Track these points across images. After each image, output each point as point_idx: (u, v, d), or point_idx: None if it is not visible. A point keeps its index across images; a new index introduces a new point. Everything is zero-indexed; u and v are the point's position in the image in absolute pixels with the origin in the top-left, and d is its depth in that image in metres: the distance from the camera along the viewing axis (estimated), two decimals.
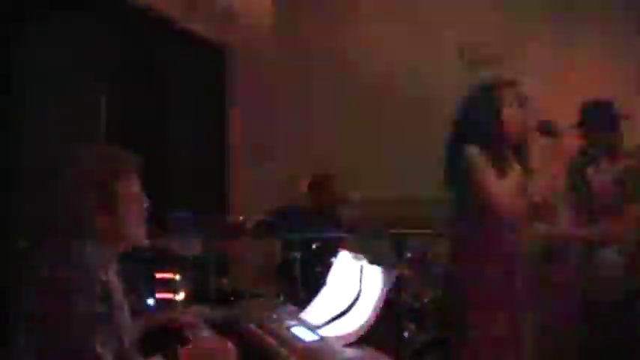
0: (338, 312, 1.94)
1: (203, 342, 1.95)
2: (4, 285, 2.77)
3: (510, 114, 2.57)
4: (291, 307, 2.34)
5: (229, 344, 1.81)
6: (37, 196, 2.89)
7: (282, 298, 3.00)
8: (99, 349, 1.57)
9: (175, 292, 3.22)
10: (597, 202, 3.33)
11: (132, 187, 1.78)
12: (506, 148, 2.60)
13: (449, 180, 2.68)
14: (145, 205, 1.82)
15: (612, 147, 3.43)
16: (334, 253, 2.26)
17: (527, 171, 2.63)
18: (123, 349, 1.70)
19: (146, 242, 1.83)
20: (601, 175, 3.36)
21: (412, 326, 3.26)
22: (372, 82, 4.80)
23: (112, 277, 1.76)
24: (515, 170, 2.59)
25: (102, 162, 1.76)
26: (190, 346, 1.85)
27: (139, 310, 2.10)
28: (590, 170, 3.37)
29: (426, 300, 3.38)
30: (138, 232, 1.80)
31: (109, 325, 1.64)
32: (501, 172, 2.53)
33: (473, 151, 2.52)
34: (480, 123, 2.57)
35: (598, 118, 3.43)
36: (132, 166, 1.79)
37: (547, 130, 2.55)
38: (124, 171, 1.77)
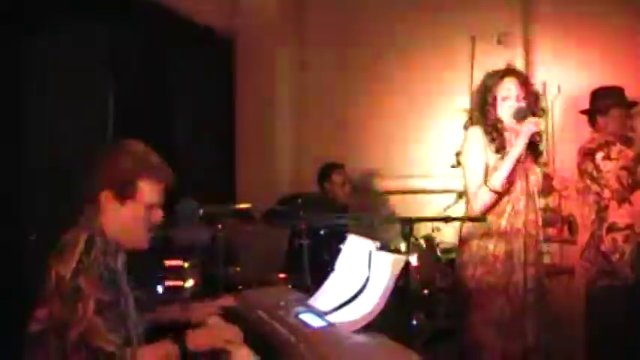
0: (346, 298, 1.93)
1: (211, 325, 1.98)
2: (16, 276, 2.79)
3: (508, 104, 2.62)
4: (300, 294, 2.33)
5: (237, 328, 1.82)
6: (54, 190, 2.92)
7: (290, 286, 3.00)
8: (107, 335, 1.58)
9: (184, 280, 3.24)
10: (607, 187, 3.31)
11: (152, 192, 1.79)
12: (507, 136, 2.65)
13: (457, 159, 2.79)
14: (160, 218, 1.84)
15: (622, 133, 3.41)
16: (342, 240, 2.25)
17: (538, 161, 2.69)
18: (130, 335, 1.71)
19: (145, 246, 1.84)
20: (611, 162, 3.34)
21: (421, 314, 3.26)
22: (379, 68, 4.77)
23: (120, 265, 1.78)
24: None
25: (136, 156, 1.78)
26: (199, 329, 1.89)
27: (148, 299, 2.10)
28: (600, 156, 3.34)
29: (434, 287, 3.37)
30: (142, 239, 1.82)
31: (117, 311, 1.66)
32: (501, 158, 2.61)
33: (473, 131, 2.65)
34: (480, 109, 2.67)
35: (608, 105, 3.41)
36: (161, 175, 1.81)
37: (520, 116, 2.58)
38: (151, 174, 1.79)
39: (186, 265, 3.25)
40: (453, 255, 3.57)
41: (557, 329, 2.63)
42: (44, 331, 1.60)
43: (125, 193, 1.74)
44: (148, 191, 1.78)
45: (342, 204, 4.13)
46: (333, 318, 1.89)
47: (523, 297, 2.55)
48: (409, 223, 2.27)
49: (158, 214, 1.83)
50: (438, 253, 3.64)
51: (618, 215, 3.31)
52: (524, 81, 2.69)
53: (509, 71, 2.73)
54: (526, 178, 2.62)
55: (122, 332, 1.64)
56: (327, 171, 4.27)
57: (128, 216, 1.76)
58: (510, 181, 2.56)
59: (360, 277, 1.95)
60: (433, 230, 3.69)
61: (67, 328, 1.56)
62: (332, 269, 2.19)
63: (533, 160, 2.69)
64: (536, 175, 2.66)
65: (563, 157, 3.58)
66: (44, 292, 1.63)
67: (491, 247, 2.58)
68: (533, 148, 2.68)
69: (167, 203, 1.90)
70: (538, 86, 4.04)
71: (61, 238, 1.70)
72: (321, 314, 1.94)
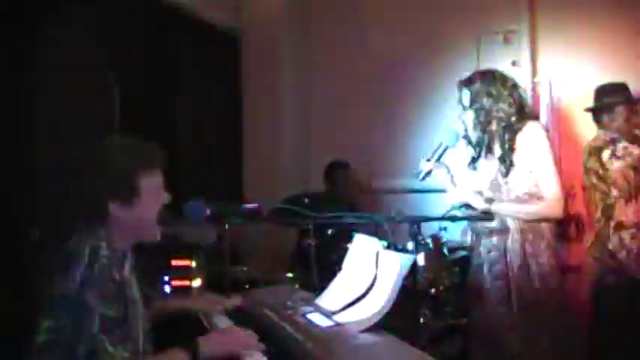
0: (354, 298, 1.93)
1: (225, 331, 1.93)
2: (16, 277, 2.79)
3: (468, 113, 2.64)
4: (307, 294, 2.34)
5: (252, 333, 1.80)
6: (57, 189, 2.92)
7: (297, 285, 3.00)
8: (114, 350, 1.54)
9: (191, 279, 3.24)
10: (613, 186, 3.29)
11: (155, 182, 1.76)
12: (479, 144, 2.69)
13: None
14: (166, 201, 1.80)
15: (628, 131, 3.38)
16: (350, 239, 2.25)
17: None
18: (137, 347, 1.67)
19: (158, 237, 1.80)
20: (618, 160, 3.31)
21: (428, 312, 3.25)
22: (384, 68, 4.76)
23: (126, 273, 1.73)
24: (489, 166, 2.66)
25: (130, 155, 1.73)
26: (212, 335, 1.84)
27: (154, 299, 2.10)
28: (606, 154, 3.32)
29: (441, 286, 3.36)
30: (153, 229, 1.78)
31: (123, 324, 1.61)
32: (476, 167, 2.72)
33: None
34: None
35: (613, 102, 3.39)
36: (158, 161, 1.78)
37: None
38: (150, 166, 1.75)
39: (193, 264, 3.25)
40: (460, 254, 3.56)
41: (562, 327, 2.62)
42: (51, 343, 1.54)
43: (131, 196, 1.70)
44: (151, 183, 1.74)
45: (348, 202, 4.12)
46: (340, 317, 1.89)
47: (513, 300, 2.57)
48: (416, 222, 2.27)
49: (165, 196, 1.80)
50: (445, 252, 3.63)
51: (625, 213, 3.28)
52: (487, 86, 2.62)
53: (467, 79, 2.69)
54: (505, 184, 2.60)
55: (129, 345, 1.60)
56: (332, 168, 4.27)
57: (139, 214, 1.72)
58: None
59: (367, 277, 1.95)
60: (440, 229, 3.68)
61: (74, 343, 1.52)
62: (339, 268, 2.19)
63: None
64: (518, 181, 2.61)
65: (570, 154, 3.55)
66: (50, 304, 1.57)
67: (481, 249, 2.66)
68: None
69: (174, 203, 1.89)
70: (545, 84, 4.06)
71: (63, 247, 1.65)
72: (328, 314, 1.94)
